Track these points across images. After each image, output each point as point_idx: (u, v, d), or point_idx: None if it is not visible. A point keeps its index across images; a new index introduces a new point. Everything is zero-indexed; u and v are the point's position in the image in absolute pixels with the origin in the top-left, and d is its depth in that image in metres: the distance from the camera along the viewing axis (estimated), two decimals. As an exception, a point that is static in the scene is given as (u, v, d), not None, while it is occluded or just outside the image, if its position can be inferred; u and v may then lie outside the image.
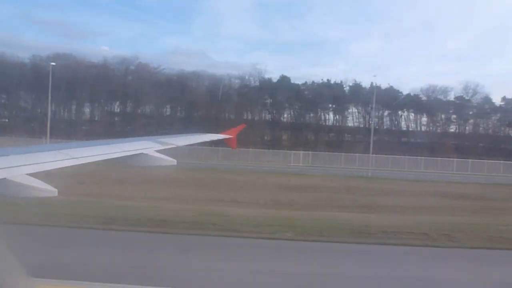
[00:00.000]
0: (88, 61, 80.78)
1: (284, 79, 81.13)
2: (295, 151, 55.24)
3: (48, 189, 3.29)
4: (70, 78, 73.67)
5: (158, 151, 5.65)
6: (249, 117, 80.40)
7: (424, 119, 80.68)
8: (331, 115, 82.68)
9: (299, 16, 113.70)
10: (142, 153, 5.24)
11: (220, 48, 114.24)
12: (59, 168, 3.73)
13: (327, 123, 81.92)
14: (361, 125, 79.70)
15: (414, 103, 78.08)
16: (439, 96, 78.83)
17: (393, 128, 79.51)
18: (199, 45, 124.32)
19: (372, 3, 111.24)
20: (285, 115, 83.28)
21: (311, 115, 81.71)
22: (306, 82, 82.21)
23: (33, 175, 3.32)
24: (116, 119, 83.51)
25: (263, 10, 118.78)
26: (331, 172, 42.06)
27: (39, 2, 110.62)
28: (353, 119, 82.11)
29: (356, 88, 79.35)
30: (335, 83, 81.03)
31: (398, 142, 70.52)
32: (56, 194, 3.33)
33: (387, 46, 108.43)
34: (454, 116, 79.12)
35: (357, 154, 54.32)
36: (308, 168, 46.89)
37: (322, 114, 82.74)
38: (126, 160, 4.99)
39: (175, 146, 6.38)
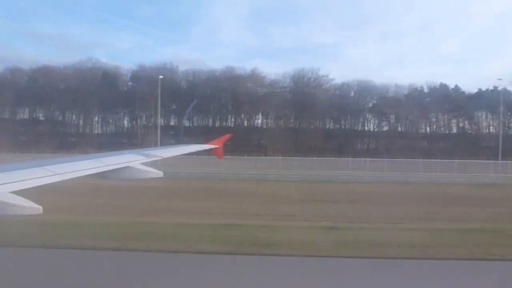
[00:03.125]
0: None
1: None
2: None
3: (32, 207, 3.25)
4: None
5: (144, 163, 5.65)
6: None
7: None
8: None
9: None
10: (127, 166, 5.22)
11: (218, 56, 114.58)
12: (43, 185, 3.69)
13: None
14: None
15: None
16: None
17: None
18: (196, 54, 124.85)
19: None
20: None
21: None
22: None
23: (17, 192, 3.28)
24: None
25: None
26: None
27: (36, 15, 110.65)
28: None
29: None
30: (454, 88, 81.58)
31: None
32: (41, 211, 3.30)
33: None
34: None
35: None
36: None
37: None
38: (112, 174, 4.96)
39: (160, 158, 6.37)
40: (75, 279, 9.66)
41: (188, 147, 9.43)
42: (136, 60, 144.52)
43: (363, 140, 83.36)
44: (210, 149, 10.37)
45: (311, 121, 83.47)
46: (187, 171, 38.00)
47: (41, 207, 3.28)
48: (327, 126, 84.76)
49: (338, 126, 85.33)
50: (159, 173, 5.33)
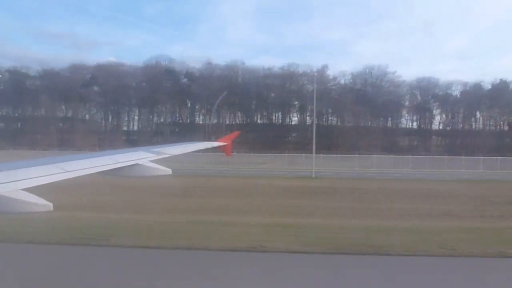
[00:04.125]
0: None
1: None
2: None
3: (43, 204, 3.28)
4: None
5: (153, 161, 5.67)
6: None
7: None
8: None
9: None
10: (137, 164, 5.25)
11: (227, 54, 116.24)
12: (54, 182, 3.71)
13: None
14: None
15: None
16: None
17: None
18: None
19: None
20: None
21: None
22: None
23: (28, 189, 3.31)
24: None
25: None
26: None
27: (45, 15, 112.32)
28: None
29: None
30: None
31: None
32: (51, 208, 3.32)
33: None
34: None
35: None
36: None
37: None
38: (121, 172, 4.97)
39: (169, 155, 6.37)
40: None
41: (198, 144, 9.42)
42: (144, 57, 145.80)
43: (437, 137, 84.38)
44: (218, 146, 10.37)
45: (378, 119, 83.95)
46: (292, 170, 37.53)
47: (51, 204, 3.30)
48: (398, 124, 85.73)
49: (408, 124, 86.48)
50: (168, 171, 5.34)
